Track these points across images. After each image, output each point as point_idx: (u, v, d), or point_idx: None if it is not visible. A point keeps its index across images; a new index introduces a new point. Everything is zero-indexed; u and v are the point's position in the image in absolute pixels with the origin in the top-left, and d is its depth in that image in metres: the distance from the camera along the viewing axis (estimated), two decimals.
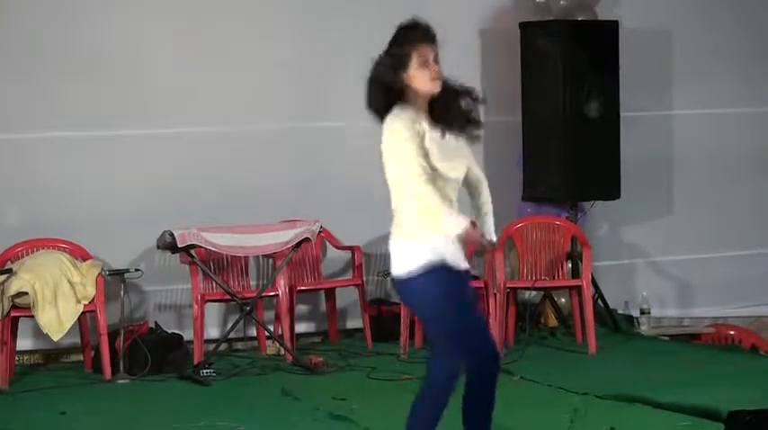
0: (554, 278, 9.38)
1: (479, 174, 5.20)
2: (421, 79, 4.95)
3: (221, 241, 8.52)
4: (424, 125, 4.94)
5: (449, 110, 5.00)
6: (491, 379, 5.02)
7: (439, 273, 4.92)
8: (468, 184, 5.19)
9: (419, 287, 4.94)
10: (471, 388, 5.03)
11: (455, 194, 5.04)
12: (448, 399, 5.07)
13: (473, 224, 4.89)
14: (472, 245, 5.01)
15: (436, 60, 4.97)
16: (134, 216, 8.96)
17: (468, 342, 4.98)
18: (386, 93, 4.95)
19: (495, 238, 5.20)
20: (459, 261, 5.00)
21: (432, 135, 4.94)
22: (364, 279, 9.26)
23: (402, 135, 4.86)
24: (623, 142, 9.58)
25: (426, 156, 4.89)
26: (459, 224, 4.83)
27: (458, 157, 5.03)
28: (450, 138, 5.00)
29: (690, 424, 6.54)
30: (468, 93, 5.05)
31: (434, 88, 4.96)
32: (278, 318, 9.01)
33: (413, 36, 4.97)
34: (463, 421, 5.09)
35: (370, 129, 5.06)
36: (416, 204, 4.86)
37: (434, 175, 4.90)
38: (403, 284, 4.99)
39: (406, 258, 4.94)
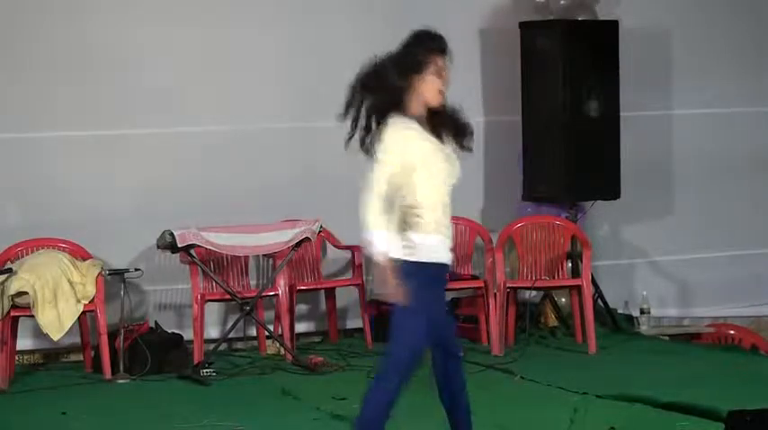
0: (554, 278, 9.38)
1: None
2: (431, 87, 4.99)
3: (221, 241, 8.52)
4: (425, 133, 4.97)
5: (447, 120, 5.08)
6: (455, 370, 5.18)
7: (420, 266, 4.98)
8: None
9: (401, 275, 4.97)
10: (440, 380, 5.19)
11: (449, 198, 5.10)
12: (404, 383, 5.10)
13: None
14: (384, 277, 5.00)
15: (447, 75, 5.04)
16: (134, 216, 8.96)
17: (430, 333, 5.05)
18: (391, 94, 4.97)
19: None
20: (442, 256, 5.08)
21: (430, 139, 4.98)
22: (364, 279, 9.26)
23: (386, 146, 4.93)
24: (623, 142, 9.57)
25: (424, 158, 4.95)
26: (380, 252, 4.90)
27: (454, 164, 5.10)
28: (446, 146, 5.08)
29: (690, 424, 6.54)
30: (465, 124, 5.13)
31: (436, 100, 5.00)
32: (278, 318, 9.01)
33: (434, 45, 5.03)
34: (448, 415, 5.26)
35: None
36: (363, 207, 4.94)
37: (434, 177, 4.97)
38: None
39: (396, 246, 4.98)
